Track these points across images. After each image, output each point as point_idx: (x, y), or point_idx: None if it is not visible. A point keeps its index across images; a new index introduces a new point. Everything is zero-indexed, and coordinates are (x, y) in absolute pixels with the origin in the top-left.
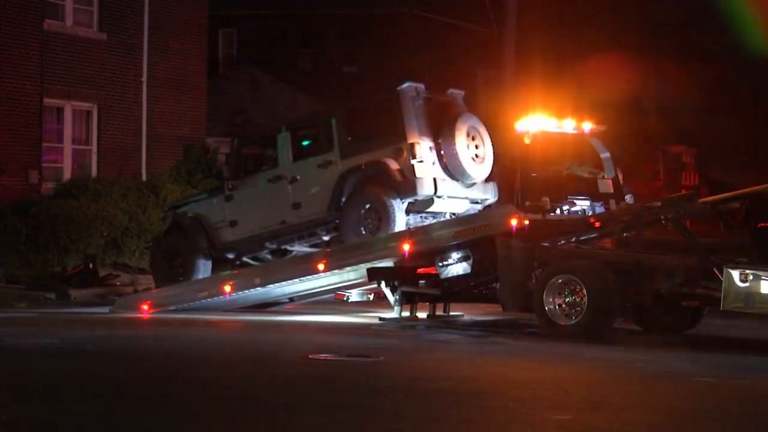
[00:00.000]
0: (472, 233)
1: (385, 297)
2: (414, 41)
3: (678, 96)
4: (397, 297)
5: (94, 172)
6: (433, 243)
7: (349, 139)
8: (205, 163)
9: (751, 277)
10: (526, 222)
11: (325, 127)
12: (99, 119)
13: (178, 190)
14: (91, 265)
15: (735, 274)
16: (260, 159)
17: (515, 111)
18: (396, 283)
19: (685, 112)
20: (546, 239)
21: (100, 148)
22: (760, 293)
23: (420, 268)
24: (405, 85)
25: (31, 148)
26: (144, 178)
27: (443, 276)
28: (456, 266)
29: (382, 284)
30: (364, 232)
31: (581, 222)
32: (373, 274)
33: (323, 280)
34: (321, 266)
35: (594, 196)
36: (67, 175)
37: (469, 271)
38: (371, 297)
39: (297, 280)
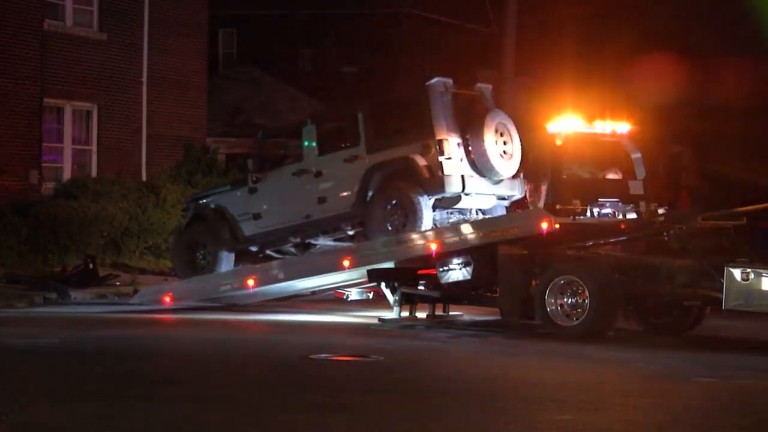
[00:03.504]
0: (502, 235)
1: (384, 296)
2: (414, 41)
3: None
4: (397, 297)
5: (94, 172)
6: (461, 243)
7: (376, 134)
8: (205, 163)
9: (752, 275)
10: (557, 226)
11: (351, 121)
12: (99, 119)
13: (178, 190)
14: (91, 265)
15: (736, 272)
16: (285, 152)
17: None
18: (396, 284)
19: (688, 111)
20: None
21: (100, 148)
22: (761, 290)
23: (420, 269)
24: (434, 80)
25: (31, 148)
26: (144, 178)
27: (443, 281)
28: (456, 272)
29: (382, 285)
30: (390, 229)
31: (584, 232)
32: (373, 275)
33: (345, 275)
34: (346, 263)
35: (624, 198)
36: (67, 175)
37: (469, 277)
38: (371, 295)
39: (321, 275)
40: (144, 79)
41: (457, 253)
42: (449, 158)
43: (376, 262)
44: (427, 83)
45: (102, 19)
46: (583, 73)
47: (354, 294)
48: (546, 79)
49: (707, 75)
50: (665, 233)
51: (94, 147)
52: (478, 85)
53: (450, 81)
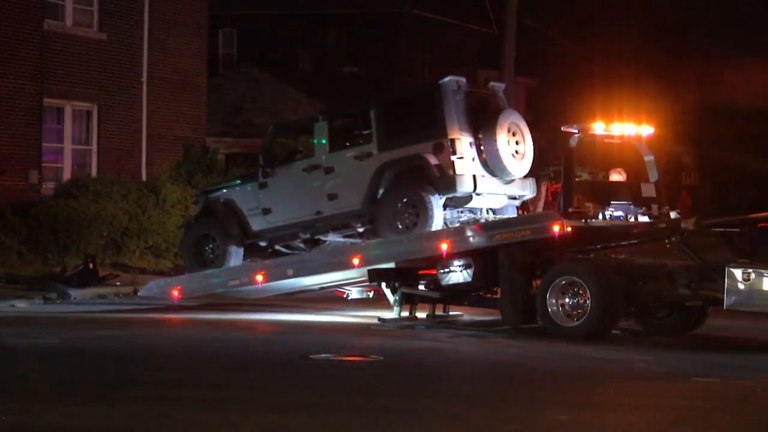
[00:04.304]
0: (513, 237)
1: (384, 295)
2: (414, 41)
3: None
4: (397, 297)
5: (94, 172)
6: (472, 244)
7: (388, 131)
8: (205, 163)
9: (753, 276)
10: (569, 229)
11: (363, 118)
12: (99, 119)
13: (178, 190)
14: (91, 265)
15: (737, 273)
16: (295, 147)
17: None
18: (396, 284)
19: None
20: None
21: (100, 148)
22: (762, 290)
23: (421, 269)
24: (447, 79)
25: (31, 148)
26: (144, 178)
27: (444, 282)
28: (457, 274)
29: (383, 285)
30: (400, 227)
31: (596, 235)
32: (374, 275)
33: (352, 272)
34: (356, 261)
35: (637, 201)
36: (67, 175)
37: (469, 279)
38: (371, 294)
39: (331, 272)
40: (144, 79)
41: (458, 255)
42: (461, 158)
43: (386, 261)
44: (440, 81)
45: (102, 19)
46: (596, 74)
47: (354, 293)
48: (557, 80)
49: (711, 76)
50: (667, 241)
51: (94, 147)
52: (491, 83)
53: (463, 80)
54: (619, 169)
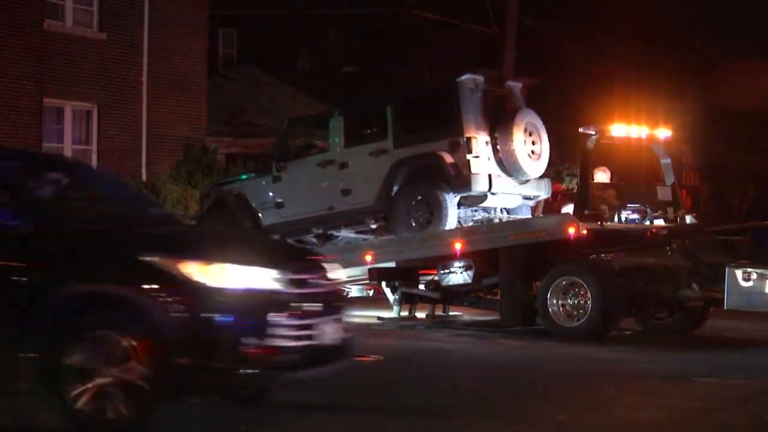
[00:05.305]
0: (528, 238)
1: (384, 294)
2: (414, 41)
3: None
4: (397, 297)
5: None
6: (487, 244)
7: (404, 129)
8: (205, 163)
9: (753, 276)
10: (584, 231)
11: (379, 114)
12: (99, 119)
13: (178, 190)
14: None
15: (738, 273)
16: (310, 142)
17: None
18: (396, 284)
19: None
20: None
21: (100, 148)
22: (763, 291)
23: (421, 269)
24: (464, 77)
25: (31, 148)
26: (144, 178)
27: (444, 283)
28: (457, 275)
29: (383, 284)
30: (414, 225)
31: (610, 238)
32: (374, 274)
33: (358, 270)
34: (369, 257)
35: (653, 204)
36: None
37: (470, 280)
38: (371, 293)
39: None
40: (144, 79)
41: (459, 256)
42: (477, 156)
43: (399, 258)
44: (458, 80)
45: (102, 19)
46: (597, 75)
47: (354, 291)
48: (558, 80)
49: (712, 77)
50: (669, 248)
51: (94, 147)
52: (508, 82)
53: (480, 78)
54: (603, 168)
